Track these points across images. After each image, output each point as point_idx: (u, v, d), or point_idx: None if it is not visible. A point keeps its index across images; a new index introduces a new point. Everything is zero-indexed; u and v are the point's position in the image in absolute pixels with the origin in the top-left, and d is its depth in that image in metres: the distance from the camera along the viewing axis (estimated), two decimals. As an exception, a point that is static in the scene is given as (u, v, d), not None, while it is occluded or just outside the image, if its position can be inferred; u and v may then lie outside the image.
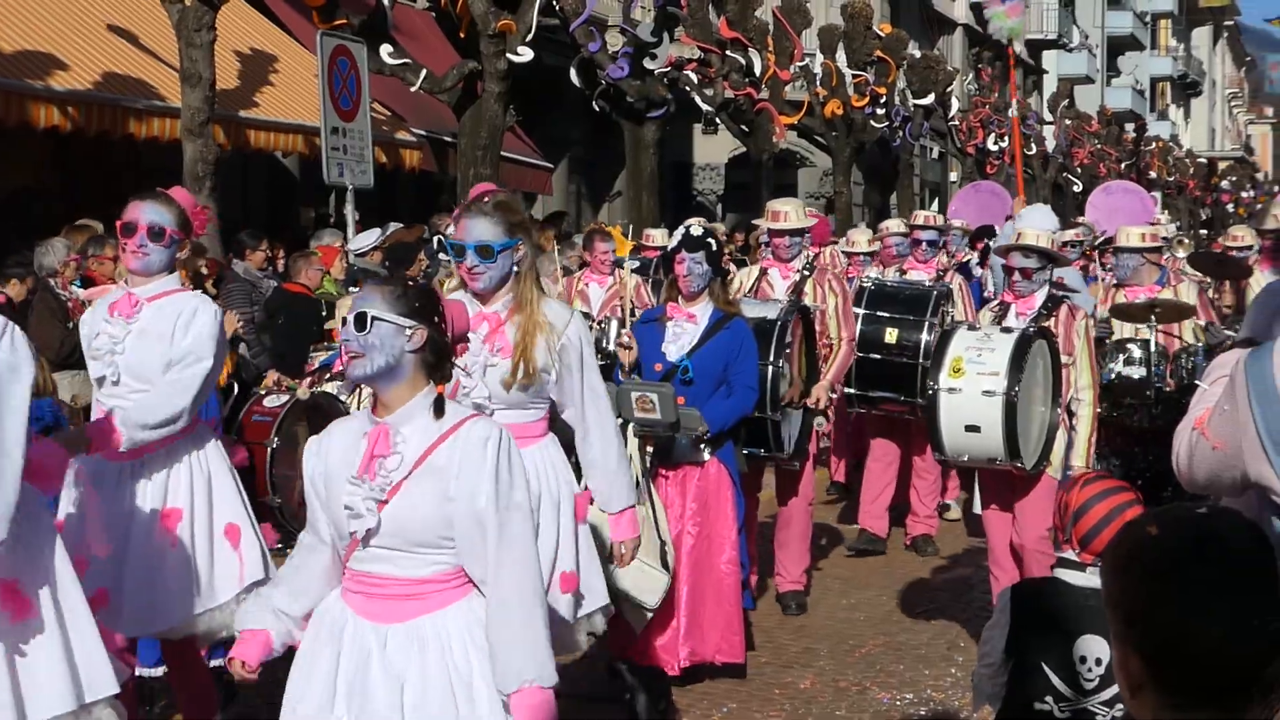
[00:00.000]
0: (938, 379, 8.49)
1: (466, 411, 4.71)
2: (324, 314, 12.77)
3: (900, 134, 37.16)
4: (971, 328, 8.76)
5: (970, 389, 8.36)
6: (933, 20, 53.63)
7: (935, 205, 47.26)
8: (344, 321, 4.58)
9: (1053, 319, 8.74)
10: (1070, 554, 4.83)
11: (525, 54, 19.31)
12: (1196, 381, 9.62)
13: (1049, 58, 70.33)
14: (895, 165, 39.99)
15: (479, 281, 6.12)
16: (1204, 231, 34.40)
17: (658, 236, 16.04)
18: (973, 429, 8.38)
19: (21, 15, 17.24)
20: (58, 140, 17.35)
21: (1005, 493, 8.80)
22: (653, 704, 7.85)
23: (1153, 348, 9.80)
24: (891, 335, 11.18)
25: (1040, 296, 8.79)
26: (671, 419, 7.79)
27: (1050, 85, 64.13)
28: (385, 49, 19.05)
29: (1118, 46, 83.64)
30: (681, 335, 8.24)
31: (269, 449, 10.68)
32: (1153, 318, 9.91)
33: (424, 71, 19.50)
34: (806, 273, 10.47)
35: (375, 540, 4.52)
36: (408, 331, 4.53)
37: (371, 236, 15.50)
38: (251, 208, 21.76)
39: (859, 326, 10.95)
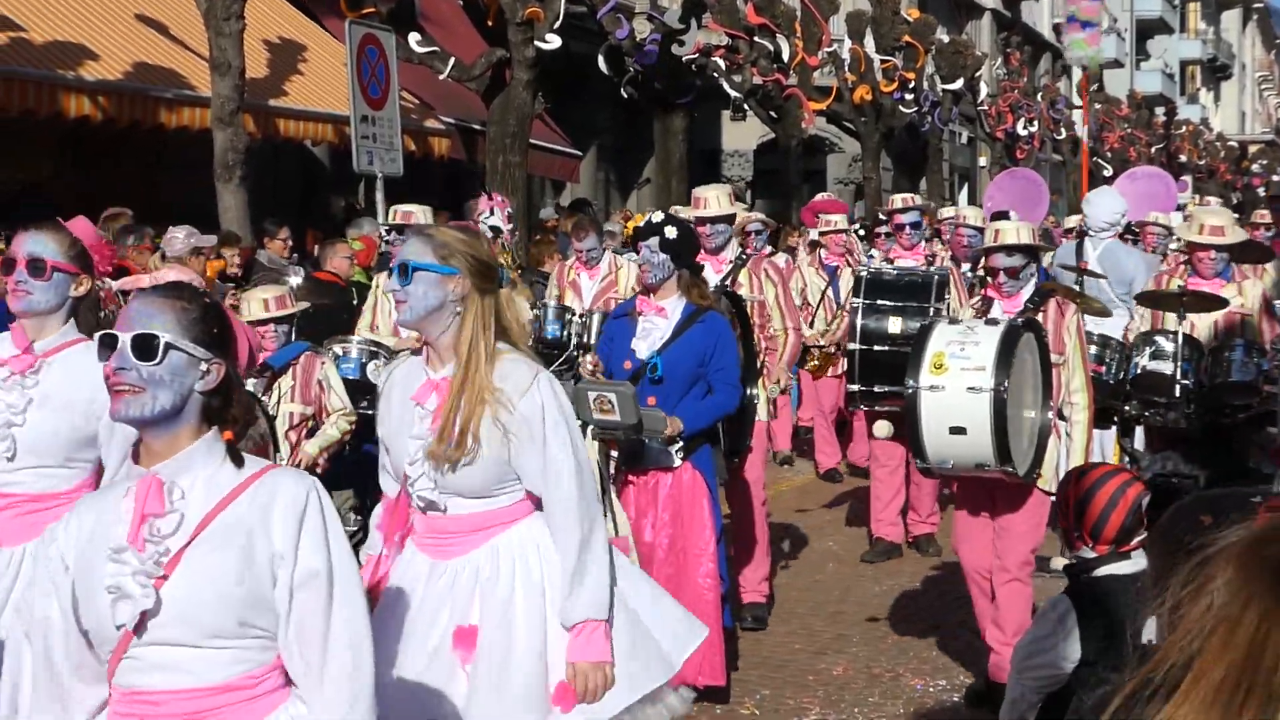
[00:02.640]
0: (917, 377, 7.53)
1: (263, 461, 3.69)
2: (354, 302, 12.77)
3: (929, 119, 37.07)
4: (953, 320, 7.91)
5: (954, 386, 7.44)
6: (961, 5, 53.41)
7: (965, 190, 47.18)
8: (104, 341, 3.55)
9: (1041, 315, 7.98)
10: (1087, 551, 4.77)
11: (553, 41, 19.31)
12: (1233, 379, 9.17)
13: (1078, 42, 69.95)
14: (924, 150, 39.87)
15: (401, 311, 4.89)
16: (1235, 216, 34.19)
17: None
18: (958, 430, 7.45)
19: (51, 6, 17.27)
20: (88, 130, 17.37)
21: (985, 507, 7.97)
22: None
23: (1180, 341, 9.26)
24: (895, 325, 10.42)
25: (1026, 293, 8.07)
26: (632, 420, 7.17)
27: (1079, 70, 63.83)
28: (414, 37, 19.09)
29: (1147, 30, 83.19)
30: (652, 331, 7.65)
31: None
32: (1181, 308, 9.37)
33: (452, 60, 19.52)
34: (740, 263, 9.87)
35: (155, 631, 3.44)
36: (203, 365, 3.53)
37: (401, 225, 15.53)
38: (281, 197, 21.75)
39: (859, 319, 10.40)
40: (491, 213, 14.81)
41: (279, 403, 8.68)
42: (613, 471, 7.41)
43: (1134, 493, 4.74)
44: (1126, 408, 9.42)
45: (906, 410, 7.67)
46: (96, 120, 16.52)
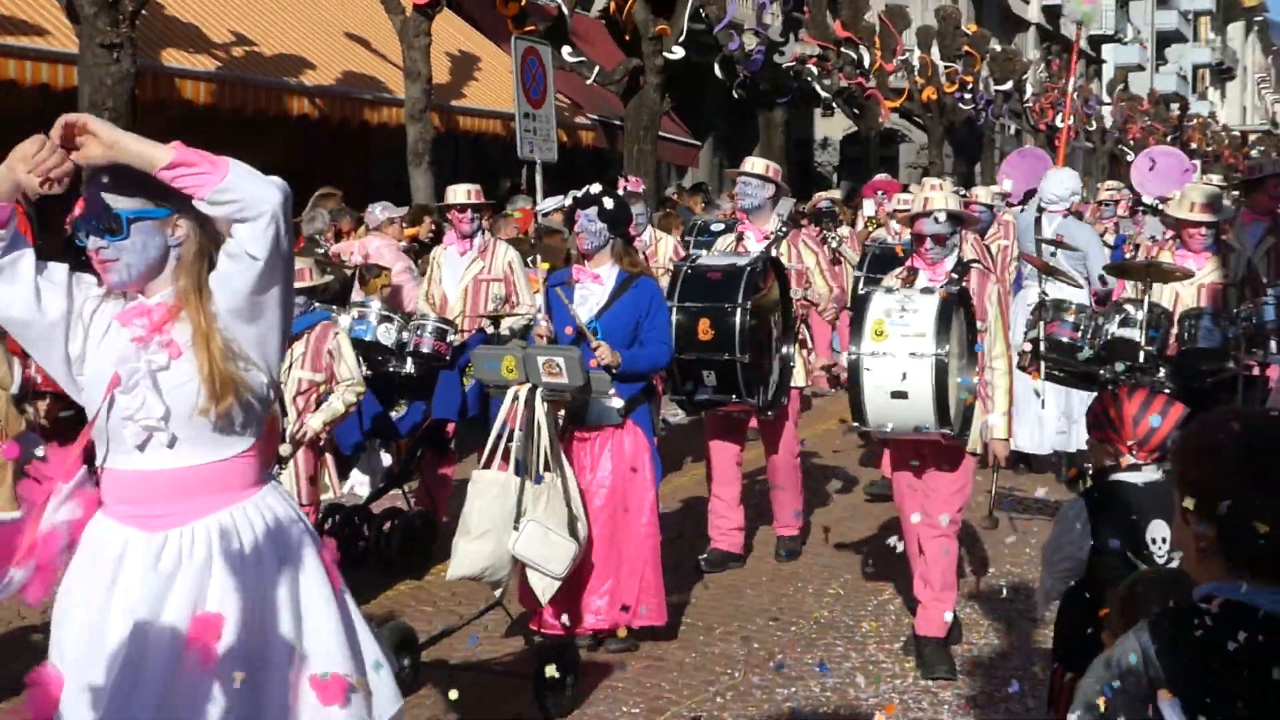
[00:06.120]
0: (859, 344, 6.53)
1: None
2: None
3: (984, 115, 36.57)
4: (888, 290, 6.81)
5: (896, 352, 6.48)
6: (1010, 20, 52.57)
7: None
8: None
9: (965, 284, 6.89)
10: (1129, 457, 4.65)
11: (678, 52, 19.24)
12: (1200, 345, 8.16)
13: (1107, 50, 68.71)
14: (980, 140, 39.36)
15: (112, 273, 3.37)
16: (1235, 193, 33.51)
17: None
18: (899, 395, 6.49)
19: (278, 24, 17.46)
20: (308, 127, 17.56)
21: (916, 469, 6.96)
22: (561, 675, 6.17)
23: (1146, 308, 8.18)
24: None
25: (950, 262, 6.93)
26: (580, 382, 6.37)
27: (1108, 73, 62.68)
28: (566, 50, 19.06)
29: (1165, 39, 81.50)
30: (589, 297, 6.86)
31: None
32: (1147, 278, 8.27)
33: (597, 68, 19.49)
34: (781, 233, 8.69)
35: None
36: None
37: (555, 200, 15.57)
38: (461, 178, 21.82)
39: (860, 292, 8.79)
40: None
41: (290, 368, 7.35)
42: (559, 431, 6.62)
43: (1177, 410, 4.62)
44: (1102, 371, 8.42)
45: (849, 377, 6.61)
46: (314, 118, 16.69)
